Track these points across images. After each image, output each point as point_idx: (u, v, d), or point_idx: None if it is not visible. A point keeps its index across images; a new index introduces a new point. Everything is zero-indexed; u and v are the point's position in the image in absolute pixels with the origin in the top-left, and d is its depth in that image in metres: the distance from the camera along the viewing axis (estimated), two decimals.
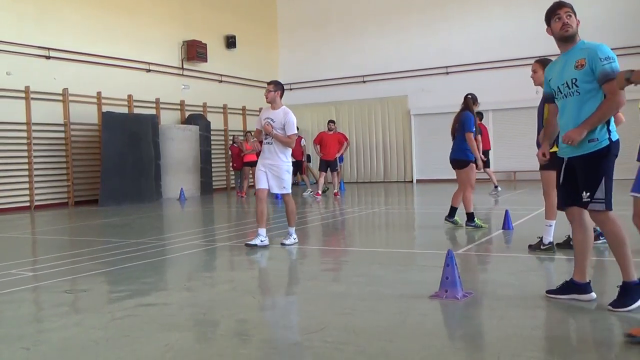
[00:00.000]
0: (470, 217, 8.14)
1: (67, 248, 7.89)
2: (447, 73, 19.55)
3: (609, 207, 3.93)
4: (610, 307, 3.94)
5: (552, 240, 6.09)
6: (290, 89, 22.78)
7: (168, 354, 3.36)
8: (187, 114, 18.37)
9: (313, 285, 5.18)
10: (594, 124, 3.93)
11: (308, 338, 3.55)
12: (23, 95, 13.98)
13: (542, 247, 6.10)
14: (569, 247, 5.88)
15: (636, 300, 3.89)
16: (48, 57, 14.51)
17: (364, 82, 21.26)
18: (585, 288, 4.21)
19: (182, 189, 16.04)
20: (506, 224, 7.86)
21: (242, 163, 16.63)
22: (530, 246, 6.25)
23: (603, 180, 3.93)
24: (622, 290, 3.95)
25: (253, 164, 16.61)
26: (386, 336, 3.56)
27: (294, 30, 22.47)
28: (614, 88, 3.83)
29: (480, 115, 14.81)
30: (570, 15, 4.06)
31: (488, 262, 6.26)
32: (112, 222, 11.06)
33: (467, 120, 8.08)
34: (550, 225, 6.08)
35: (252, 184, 17.18)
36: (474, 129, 8.07)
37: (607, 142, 3.97)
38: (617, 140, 4.04)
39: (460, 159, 8.21)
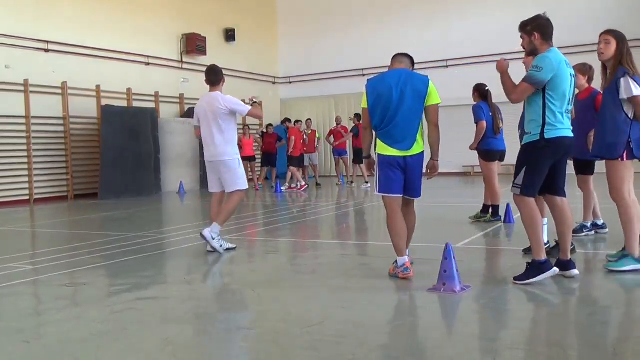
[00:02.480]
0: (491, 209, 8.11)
1: (66, 241, 7.90)
2: (447, 66, 19.50)
3: (523, 192, 4.43)
4: (514, 280, 4.42)
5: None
6: (290, 82, 22.80)
7: (168, 347, 3.38)
8: (186, 107, 18.33)
9: (312, 278, 5.20)
10: None
11: (308, 331, 3.56)
12: (22, 88, 13.95)
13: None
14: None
15: (537, 276, 4.34)
16: (47, 51, 14.47)
17: (364, 75, 21.21)
18: (568, 264, 4.52)
19: (181, 182, 16.03)
20: (507, 218, 7.87)
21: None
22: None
23: (524, 169, 4.43)
24: (529, 266, 4.41)
25: (251, 159, 16.61)
26: (385, 329, 3.57)
27: (293, 24, 22.41)
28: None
29: (358, 116, 15.58)
30: (522, 38, 4.73)
31: (487, 255, 6.28)
32: (111, 215, 11.07)
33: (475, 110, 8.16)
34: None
35: (251, 177, 17.19)
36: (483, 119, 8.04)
37: (537, 137, 4.39)
38: (555, 139, 4.34)
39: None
